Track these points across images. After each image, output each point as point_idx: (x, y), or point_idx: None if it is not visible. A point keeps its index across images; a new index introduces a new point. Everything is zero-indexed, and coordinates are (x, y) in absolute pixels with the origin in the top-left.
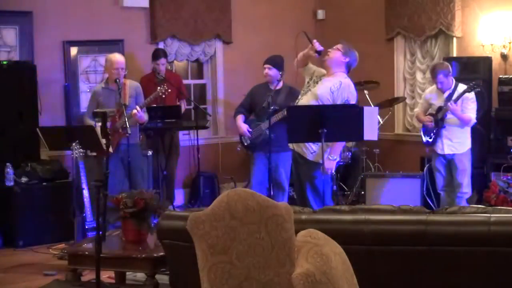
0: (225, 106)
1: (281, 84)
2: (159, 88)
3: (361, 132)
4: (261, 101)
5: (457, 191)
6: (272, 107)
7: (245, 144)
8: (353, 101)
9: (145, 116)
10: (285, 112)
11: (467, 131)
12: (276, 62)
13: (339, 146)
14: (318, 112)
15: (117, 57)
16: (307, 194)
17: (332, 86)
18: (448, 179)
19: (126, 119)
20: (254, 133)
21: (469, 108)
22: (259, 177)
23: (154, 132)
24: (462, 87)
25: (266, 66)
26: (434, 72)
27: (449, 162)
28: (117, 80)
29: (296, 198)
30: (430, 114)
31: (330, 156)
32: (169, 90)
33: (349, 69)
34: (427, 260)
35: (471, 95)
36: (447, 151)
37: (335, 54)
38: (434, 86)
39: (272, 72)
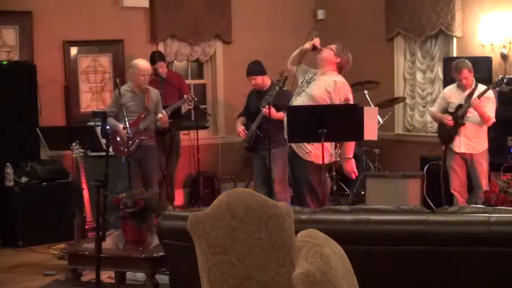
0: (225, 106)
1: (268, 84)
2: (185, 96)
3: (361, 132)
4: (253, 106)
5: (477, 192)
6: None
7: (245, 146)
8: (351, 97)
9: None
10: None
11: (485, 130)
12: (256, 69)
13: (351, 144)
14: (318, 112)
15: (144, 65)
16: (305, 195)
17: (327, 86)
18: (462, 179)
19: (147, 122)
20: (247, 135)
21: (489, 107)
22: (260, 176)
23: (154, 132)
24: (482, 87)
25: (250, 78)
26: (459, 68)
27: (467, 162)
28: (117, 80)
29: (294, 199)
30: (448, 113)
31: (347, 156)
32: (196, 99)
33: (340, 70)
34: (427, 260)
35: (491, 94)
36: (464, 149)
37: (328, 52)
38: (453, 85)
39: (258, 80)
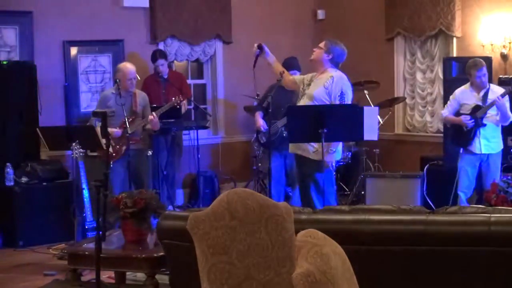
0: (225, 106)
1: None
2: (173, 98)
3: (361, 132)
4: (277, 100)
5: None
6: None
7: (261, 142)
8: (349, 91)
9: (159, 124)
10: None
11: (500, 130)
12: (298, 65)
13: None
14: (318, 112)
15: (130, 68)
16: (311, 194)
17: (325, 83)
18: (472, 180)
19: (135, 126)
20: (271, 130)
21: (507, 106)
22: (276, 175)
23: (154, 133)
24: (495, 87)
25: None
26: (479, 64)
27: (482, 162)
28: (117, 81)
29: (300, 198)
30: (464, 115)
31: (330, 149)
32: (184, 101)
33: (337, 65)
34: (427, 260)
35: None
36: (484, 150)
37: (317, 53)
38: (465, 86)
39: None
